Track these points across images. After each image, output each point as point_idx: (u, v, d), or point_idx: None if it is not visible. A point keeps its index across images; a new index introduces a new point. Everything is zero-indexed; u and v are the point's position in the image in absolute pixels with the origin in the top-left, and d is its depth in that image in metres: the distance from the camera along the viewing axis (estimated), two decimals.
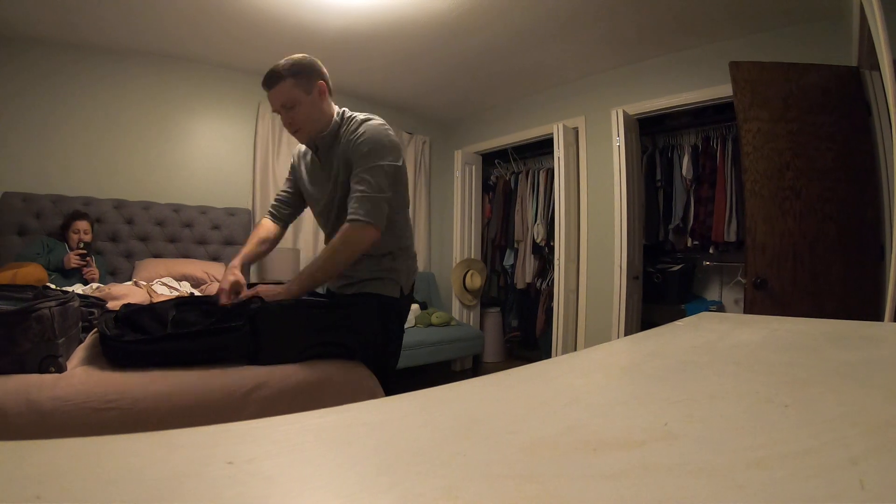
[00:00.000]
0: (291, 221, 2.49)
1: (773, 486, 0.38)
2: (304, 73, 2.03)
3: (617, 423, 0.56)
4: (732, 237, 4.47)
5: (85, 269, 3.93)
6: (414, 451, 0.49)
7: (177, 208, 4.97)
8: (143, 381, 1.61)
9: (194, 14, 4.18)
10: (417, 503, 0.37)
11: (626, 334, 4.36)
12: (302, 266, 5.29)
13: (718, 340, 1.08)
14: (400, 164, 2.08)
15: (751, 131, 3.00)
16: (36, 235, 4.19)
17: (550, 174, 5.76)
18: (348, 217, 1.93)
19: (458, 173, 6.48)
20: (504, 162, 6.72)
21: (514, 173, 6.58)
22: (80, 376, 1.60)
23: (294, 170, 2.38)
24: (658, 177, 4.98)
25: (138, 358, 1.69)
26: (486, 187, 6.89)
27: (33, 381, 1.52)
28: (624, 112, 4.60)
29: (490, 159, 6.78)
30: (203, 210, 5.08)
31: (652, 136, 5.29)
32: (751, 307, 2.97)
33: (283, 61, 2.01)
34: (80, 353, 1.81)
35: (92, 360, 1.74)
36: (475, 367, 5.83)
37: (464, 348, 5.47)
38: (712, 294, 5.08)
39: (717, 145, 4.74)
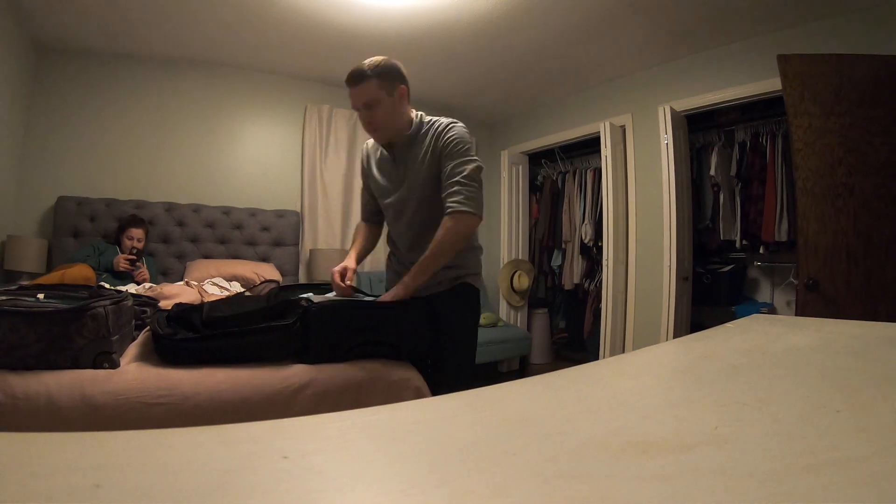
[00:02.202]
0: (384, 221, 2.51)
1: (823, 492, 0.38)
2: (388, 75, 2.06)
3: (666, 425, 0.56)
4: (783, 237, 4.34)
5: (134, 272, 4.04)
6: (464, 449, 0.50)
7: (226, 210, 5.07)
8: (194, 378, 1.65)
9: (239, 22, 4.27)
10: (468, 500, 0.38)
11: (675, 336, 4.31)
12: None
13: (770, 344, 1.06)
14: (481, 163, 2.12)
15: (801, 127, 2.91)
16: (90, 238, 4.32)
17: (598, 173, 5.69)
18: (451, 209, 1.98)
19: (504, 174, 6.44)
20: (551, 162, 6.66)
21: (561, 173, 6.51)
22: (132, 372, 1.65)
23: (365, 171, 2.41)
24: (712, 172, 4.87)
25: (190, 355, 1.72)
26: (533, 187, 6.83)
27: (87, 376, 1.57)
28: (671, 109, 4.51)
29: (536, 159, 6.72)
30: (252, 212, 5.17)
31: (702, 132, 5.18)
32: (803, 309, 2.89)
33: (368, 61, 2.05)
34: (132, 350, 1.85)
35: (144, 356, 1.79)
36: (522, 369, 5.79)
37: (511, 349, 5.44)
38: (763, 296, 4.96)
39: (766, 142, 4.61)
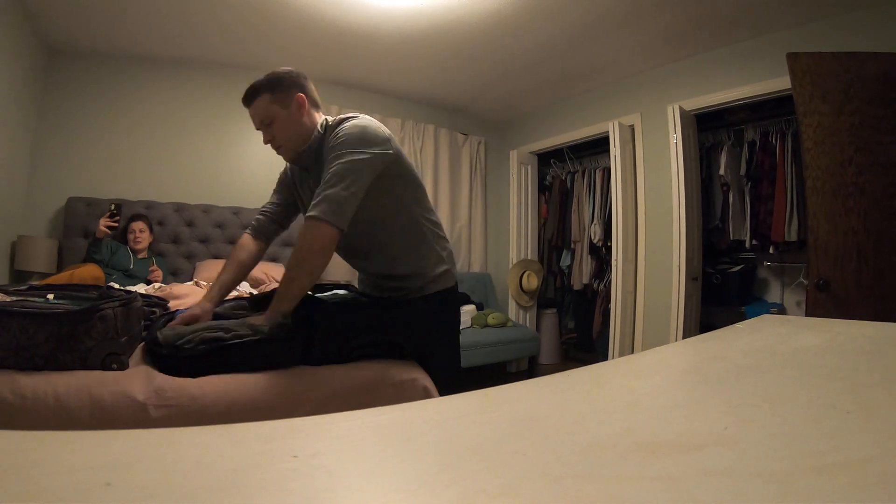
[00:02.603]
0: (274, 239, 2.36)
1: (832, 493, 0.38)
2: (282, 87, 1.92)
3: (675, 426, 0.56)
4: (793, 237, 4.32)
5: (152, 272, 4.07)
6: (473, 449, 0.50)
7: (236, 211, 5.10)
8: (201, 382, 1.65)
9: (247, 24, 4.29)
10: (477, 500, 0.38)
11: (684, 337, 4.29)
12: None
13: (779, 344, 1.06)
14: (373, 155, 1.82)
15: (811, 125, 2.90)
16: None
17: (607, 173, 5.69)
18: (311, 213, 1.76)
19: (513, 173, 6.44)
20: (560, 162, 6.66)
21: (570, 173, 6.51)
22: (141, 374, 1.65)
23: (286, 181, 2.27)
24: (721, 172, 4.84)
25: (193, 370, 1.71)
26: (542, 187, 6.82)
27: (96, 377, 1.58)
28: (680, 108, 4.50)
29: (546, 159, 6.72)
30: None
31: (711, 132, 5.16)
32: (813, 310, 2.87)
33: (263, 76, 1.93)
34: (141, 350, 1.86)
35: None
36: (531, 369, 5.78)
37: (520, 349, 5.43)
38: (773, 296, 4.94)
39: (776, 141, 4.59)
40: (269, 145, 2.00)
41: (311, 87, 2.00)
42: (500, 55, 4.86)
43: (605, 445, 0.49)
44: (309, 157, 1.98)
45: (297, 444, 0.51)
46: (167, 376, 1.65)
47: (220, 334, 1.77)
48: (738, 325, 1.28)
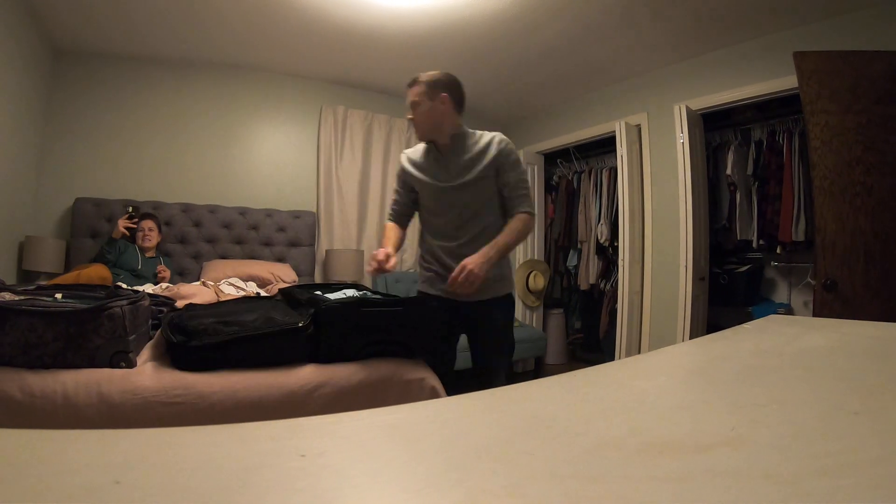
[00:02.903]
0: (408, 224, 2.72)
1: (839, 494, 0.38)
2: (435, 85, 2.37)
3: (683, 426, 0.56)
4: (801, 236, 4.30)
5: (160, 272, 4.10)
6: (480, 448, 0.50)
7: (243, 211, 5.10)
8: (209, 379, 1.66)
9: (254, 24, 4.30)
10: (484, 500, 0.38)
11: (691, 337, 4.28)
12: (366, 268, 5.49)
13: (787, 344, 1.05)
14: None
15: (818, 125, 2.88)
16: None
17: (613, 173, 5.67)
18: (523, 210, 2.37)
19: None
20: (566, 161, 6.64)
21: (577, 173, 6.49)
22: (149, 371, 1.66)
23: (405, 175, 2.61)
24: (728, 171, 4.82)
25: (203, 361, 1.73)
26: (549, 187, 6.81)
27: (104, 375, 1.59)
28: (687, 107, 4.48)
29: (552, 159, 6.70)
30: (269, 213, 5.20)
31: (718, 131, 5.14)
32: (820, 310, 2.86)
33: (429, 72, 2.41)
34: (149, 349, 1.87)
35: (160, 356, 1.80)
36: (537, 369, 5.78)
37: (526, 349, 5.41)
38: (781, 296, 4.91)
39: (783, 140, 4.57)
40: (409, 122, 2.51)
41: (462, 93, 2.48)
42: (505, 55, 4.85)
43: (612, 446, 0.49)
44: (448, 146, 2.44)
45: (304, 443, 0.51)
46: (175, 373, 1.66)
47: (235, 328, 1.78)
48: (746, 326, 1.27)
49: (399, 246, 2.56)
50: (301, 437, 0.54)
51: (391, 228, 2.61)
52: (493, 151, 2.37)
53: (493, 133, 2.46)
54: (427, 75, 2.39)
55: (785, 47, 3.62)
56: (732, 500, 0.37)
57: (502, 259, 2.35)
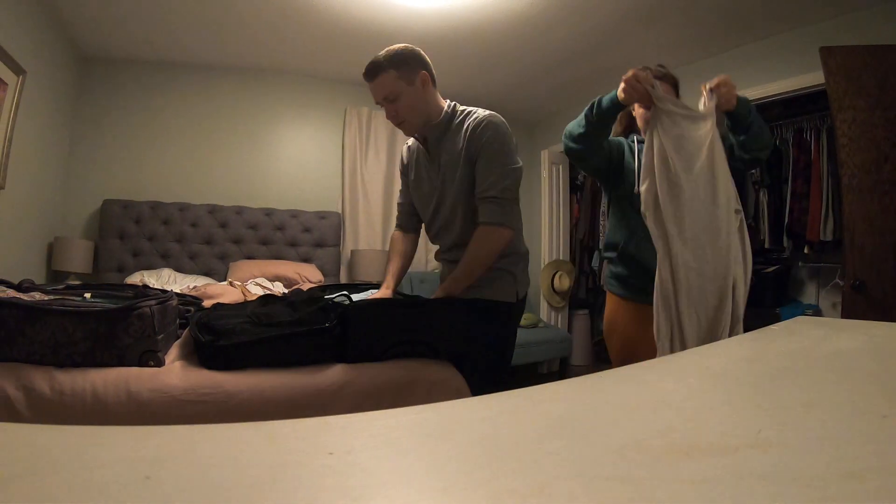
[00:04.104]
0: (420, 227, 2.43)
1: (866, 498, 0.38)
2: (406, 64, 1.99)
3: (710, 428, 0.56)
4: (829, 236, 4.23)
5: None
6: (507, 448, 0.50)
7: (269, 212, 5.16)
8: (237, 378, 1.68)
9: (278, 27, 4.36)
10: (511, 499, 0.38)
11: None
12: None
13: (815, 347, 1.04)
14: (521, 165, 2.08)
15: (846, 121, 2.83)
16: (135, 239, 4.45)
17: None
18: (482, 220, 1.95)
19: (544, 174, 6.40)
20: None
21: None
22: (177, 370, 1.68)
23: (404, 172, 2.37)
24: (755, 170, 4.74)
25: (230, 360, 1.74)
26: (574, 187, 6.76)
27: (133, 374, 1.61)
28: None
29: None
30: (294, 214, 5.25)
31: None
32: (849, 311, 2.82)
33: (383, 52, 1.99)
34: (176, 348, 1.89)
35: (188, 355, 1.82)
36: (562, 370, 5.76)
37: (551, 350, 5.40)
38: (808, 297, 4.84)
39: (810, 137, 4.50)
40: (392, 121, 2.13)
41: (431, 64, 2.08)
42: (528, 55, 4.85)
43: (638, 447, 0.49)
44: (433, 134, 2.10)
45: (332, 441, 0.52)
46: (203, 372, 1.68)
47: (263, 328, 1.80)
48: (773, 327, 1.26)
49: (405, 269, 2.34)
50: (329, 435, 0.54)
51: (394, 247, 2.36)
52: (469, 140, 1.99)
53: (480, 112, 2.07)
54: (392, 55, 1.99)
55: (811, 42, 3.57)
56: (760, 503, 0.37)
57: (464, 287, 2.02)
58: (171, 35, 4.45)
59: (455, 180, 2.04)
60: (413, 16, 4.09)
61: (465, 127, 2.03)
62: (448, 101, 2.15)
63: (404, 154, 2.36)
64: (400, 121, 2.07)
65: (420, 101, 2.04)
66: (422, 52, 2.06)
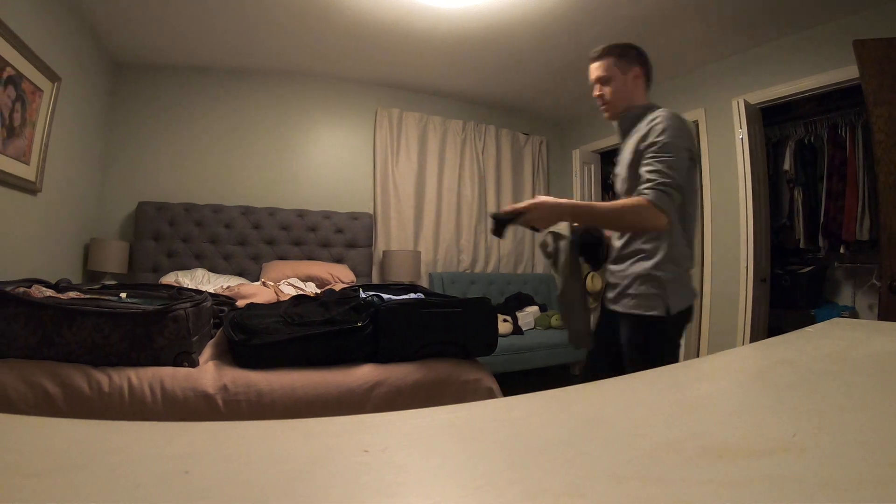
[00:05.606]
0: None
1: None
2: (626, 56, 2.14)
3: (742, 431, 0.55)
4: (865, 235, 4.14)
5: None
6: (539, 448, 0.51)
7: (301, 213, 5.20)
8: (269, 377, 1.70)
9: (307, 31, 4.39)
10: (543, 498, 0.39)
11: (751, 341, 4.17)
12: (423, 268, 5.56)
13: (851, 349, 1.03)
14: (693, 159, 2.04)
15: (882, 116, 2.76)
16: (170, 241, 4.54)
17: None
18: (643, 191, 1.88)
19: (576, 173, 6.34)
20: None
21: None
22: (210, 369, 1.71)
23: None
24: (788, 168, 4.67)
25: (263, 359, 1.77)
26: (606, 187, 6.65)
27: (168, 373, 1.64)
28: (745, 102, 4.36)
29: (608, 158, 6.52)
30: (326, 215, 5.29)
31: (777, 126, 4.99)
32: (886, 313, 2.76)
33: (616, 42, 2.17)
34: (210, 347, 1.92)
35: (222, 354, 1.86)
36: None
37: (582, 352, 5.33)
38: (844, 298, 4.75)
39: (845, 134, 4.41)
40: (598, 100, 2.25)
41: (651, 68, 2.23)
42: (558, 53, 4.81)
43: (670, 448, 0.49)
44: (626, 121, 2.19)
45: (367, 439, 0.52)
46: (236, 371, 1.71)
47: (295, 328, 1.82)
48: (808, 329, 1.25)
49: None
50: (364, 433, 0.55)
51: None
52: (645, 131, 2.00)
53: (663, 110, 2.06)
54: (616, 45, 2.15)
55: (844, 35, 3.50)
56: None
57: (587, 222, 2.09)
58: (203, 40, 4.52)
59: (626, 166, 2.11)
60: (442, 17, 4.10)
61: (649, 120, 2.06)
62: (653, 104, 2.19)
63: None
64: (604, 102, 2.21)
65: (626, 90, 2.16)
66: (645, 54, 2.21)
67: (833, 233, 4.39)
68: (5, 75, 3.00)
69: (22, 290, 1.75)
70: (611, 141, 6.12)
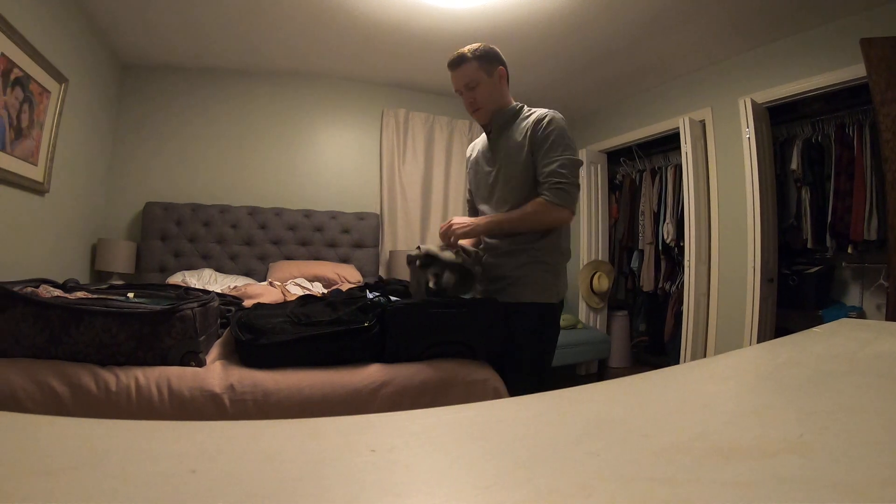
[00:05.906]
0: None
1: None
2: (487, 58, 2.19)
3: (750, 431, 0.55)
4: (873, 235, 4.11)
5: None
6: (548, 448, 0.51)
7: (308, 213, 5.22)
8: (275, 377, 1.71)
9: (314, 31, 4.41)
10: (552, 498, 0.39)
11: (759, 341, 4.16)
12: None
13: (859, 349, 1.02)
14: (581, 159, 2.19)
15: (889, 115, 2.75)
16: (177, 241, 4.56)
17: (678, 171, 5.51)
18: (545, 198, 2.04)
19: (582, 173, 6.35)
20: (630, 160, 6.51)
21: (640, 171, 6.37)
22: (217, 369, 1.71)
23: (469, 163, 2.50)
24: (796, 167, 4.65)
25: (270, 359, 1.77)
26: (613, 186, 6.68)
27: (175, 373, 1.65)
28: (752, 101, 4.35)
29: (615, 157, 6.57)
30: (333, 215, 5.31)
31: (784, 125, 4.97)
32: (894, 313, 2.75)
33: (468, 46, 2.19)
34: (217, 347, 1.93)
35: (229, 354, 1.86)
36: (601, 372, 5.69)
37: (590, 352, 5.34)
38: (852, 299, 4.71)
39: (853, 133, 4.37)
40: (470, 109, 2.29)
41: (507, 64, 2.29)
42: (564, 53, 4.82)
43: (678, 449, 0.49)
44: (496, 123, 2.27)
45: (374, 438, 0.53)
46: (243, 370, 1.71)
47: (302, 328, 1.83)
48: (816, 330, 1.24)
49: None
50: (371, 432, 0.55)
51: None
52: (532, 131, 2.12)
53: (544, 109, 2.22)
54: (475, 49, 2.18)
55: (852, 34, 3.49)
56: None
57: (500, 233, 2.20)
58: (209, 41, 4.54)
59: (519, 163, 2.16)
60: (448, 17, 4.10)
61: (529, 120, 2.18)
62: (520, 102, 2.32)
63: (468, 152, 2.53)
64: (476, 108, 2.24)
65: (495, 92, 2.23)
66: (500, 52, 2.25)
67: (841, 232, 4.36)
68: (13, 77, 3.02)
69: (30, 289, 1.76)
70: (617, 140, 6.14)
